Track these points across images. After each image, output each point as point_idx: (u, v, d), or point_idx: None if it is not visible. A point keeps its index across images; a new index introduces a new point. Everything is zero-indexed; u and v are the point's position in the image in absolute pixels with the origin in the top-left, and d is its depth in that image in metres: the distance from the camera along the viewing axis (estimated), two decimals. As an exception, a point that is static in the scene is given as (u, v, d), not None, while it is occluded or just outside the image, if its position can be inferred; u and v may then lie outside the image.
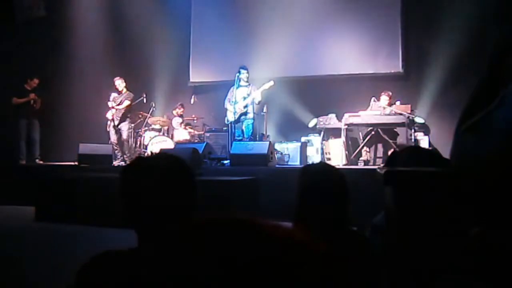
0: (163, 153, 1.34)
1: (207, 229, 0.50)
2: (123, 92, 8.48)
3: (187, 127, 9.04)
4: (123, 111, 8.41)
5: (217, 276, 0.45)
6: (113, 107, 8.41)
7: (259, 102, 7.64)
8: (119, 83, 8.48)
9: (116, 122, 8.41)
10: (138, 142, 9.00)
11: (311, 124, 8.18)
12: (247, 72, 7.66)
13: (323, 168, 1.81)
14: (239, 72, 7.62)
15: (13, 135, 8.41)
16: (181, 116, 9.17)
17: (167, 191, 1.19)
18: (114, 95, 8.48)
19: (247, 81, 7.67)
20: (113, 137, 8.46)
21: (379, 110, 7.37)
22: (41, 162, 8.52)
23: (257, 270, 0.44)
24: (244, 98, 7.61)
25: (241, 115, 7.64)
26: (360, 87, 8.27)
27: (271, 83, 7.52)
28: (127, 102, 8.42)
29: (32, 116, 8.44)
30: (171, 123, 9.15)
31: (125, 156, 8.33)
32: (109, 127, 8.53)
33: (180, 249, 0.49)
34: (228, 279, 0.45)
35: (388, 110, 7.31)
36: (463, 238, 1.19)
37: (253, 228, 0.48)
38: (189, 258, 0.47)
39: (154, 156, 1.31)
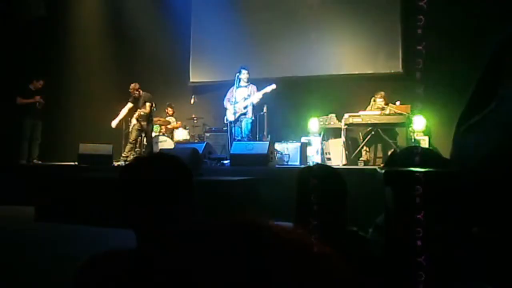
0: (161, 154, 1.34)
1: (210, 231, 0.50)
2: (138, 94, 8.18)
3: (186, 127, 9.05)
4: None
5: (218, 277, 0.45)
6: (139, 115, 8.14)
7: (256, 103, 7.64)
8: (136, 87, 8.17)
9: (143, 123, 8.22)
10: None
11: (312, 128, 8.18)
12: (248, 73, 7.68)
13: (321, 169, 1.81)
14: (240, 72, 7.64)
15: (14, 134, 8.40)
16: (172, 115, 9.16)
17: (165, 192, 1.19)
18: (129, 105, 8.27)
19: (247, 81, 7.68)
20: (133, 137, 8.24)
21: (379, 110, 7.37)
22: (39, 162, 8.50)
23: (261, 273, 0.44)
24: (245, 99, 7.62)
25: (240, 115, 7.65)
26: (360, 87, 8.26)
27: (273, 86, 7.50)
28: (148, 105, 8.14)
29: (36, 116, 8.44)
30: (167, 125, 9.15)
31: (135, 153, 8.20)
32: (130, 126, 8.35)
33: (180, 250, 0.49)
34: (230, 280, 0.45)
35: (387, 110, 7.30)
36: (463, 239, 1.19)
37: (260, 230, 0.48)
38: (188, 259, 0.47)
39: (152, 156, 1.30)
